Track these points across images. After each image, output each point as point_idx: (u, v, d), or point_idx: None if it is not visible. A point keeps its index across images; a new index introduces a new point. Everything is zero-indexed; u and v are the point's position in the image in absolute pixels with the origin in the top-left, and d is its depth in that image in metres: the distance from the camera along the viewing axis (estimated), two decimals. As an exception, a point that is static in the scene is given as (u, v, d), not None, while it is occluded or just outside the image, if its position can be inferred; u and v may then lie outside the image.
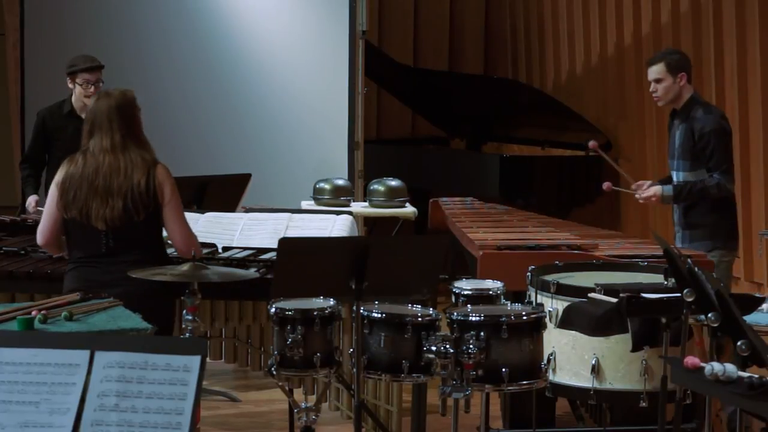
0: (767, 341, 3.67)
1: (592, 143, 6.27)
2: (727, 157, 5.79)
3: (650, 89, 5.92)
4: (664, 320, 4.12)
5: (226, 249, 5.45)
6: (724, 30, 7.87)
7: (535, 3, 10.26)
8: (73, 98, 6.48)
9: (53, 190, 4.64)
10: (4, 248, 5.30)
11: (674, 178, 5.90)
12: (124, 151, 4.59)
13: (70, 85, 6.44)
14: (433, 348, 4.11)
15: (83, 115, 6.13)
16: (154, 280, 4.34)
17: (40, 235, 4.69)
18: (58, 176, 4.63)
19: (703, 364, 3.28)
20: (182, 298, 4.45)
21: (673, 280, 4.19)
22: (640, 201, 5.98)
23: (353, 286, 4.08)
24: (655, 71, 5.84)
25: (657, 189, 5.82)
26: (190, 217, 5.86)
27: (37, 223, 4.95)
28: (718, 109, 6.10)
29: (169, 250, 4.88)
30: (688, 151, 5.77)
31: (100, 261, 4.59)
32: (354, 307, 4.16)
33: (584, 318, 4.33)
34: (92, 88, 6.30)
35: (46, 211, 4.69)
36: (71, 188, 4.57)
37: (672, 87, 5.81)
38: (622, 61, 9.09)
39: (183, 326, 4.45)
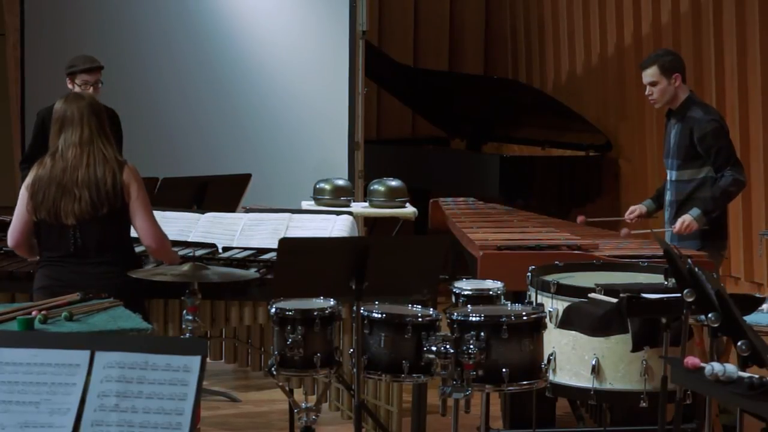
0: (767, 341, 3.67)
1: (580, 219, 6.13)
2: (731, 151, 5.79)
3: (646, 92, 5.89)
4: (664, 320, 4.12)
5: (226, 249, 5.45)
6: (724, 30, 7.88)
7: (535, 3, 10.26)
8: None
9: (23, 193, 4.67)
10: (4, 248, 5.29)
11: (668, 177, 5.90)
12: (91, 145, 4.61)
13: (70, 86, 6.41)
14: (434, 348, 4.11)
15: None
16: (122, 280, 4.39)
17: (10, 236, 4.72)
18: (28, 179, 4.66)
19: (703, 365, 3.28)
20: (182, 298, 4.45)
21: (673, 281, 4.19)
22: (683, 232, 5.70)
23: (353, 287, 4.07)
24: (650, 74, 5.80)
25: (687, 218, 5.67)
26: (191, 217, 5.89)
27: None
28: (714, 109, 6.09)
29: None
30: (682, 150, 5.77)
31: (69, 261, 4.61)
32: (354, 308, 4.16)
33: (584, 318, 4.33)
34: (91, 89, 6.26)
35: (16, 213, 4.72)
36: (40, 190, 4.59)
37: (668, 89, 5.79)
38: (622, 61, 9.10)
39: (183, 326, 4.45)
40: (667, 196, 5.91)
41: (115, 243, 4.65)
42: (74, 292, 4.36)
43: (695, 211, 5.68)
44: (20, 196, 4.71)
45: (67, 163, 4.58)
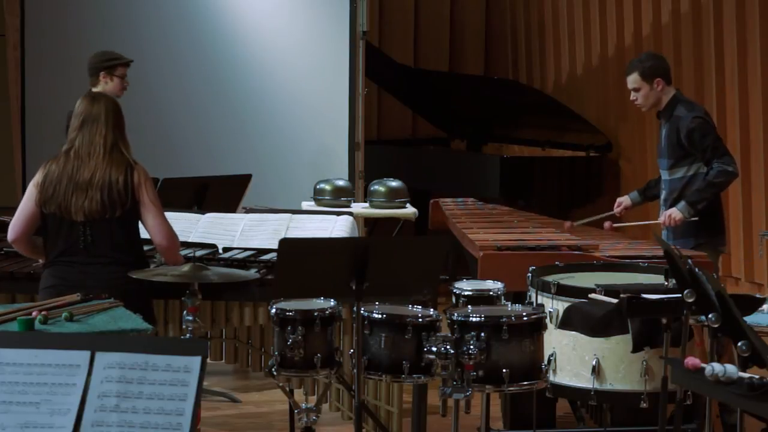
0: (767, 342, 3.67)
1: (566, 225, 6.06)
2: (718, 144, 5.82)
3: (630, 98, 5.94)
4: (664, 321, 4.12)
5: (226, 250, 5.45)
6: (724, 30, 7.88)
7: (535, 3, 10.26)
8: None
9: (31, 190, 4.67)
10: (4, 249, 5.29)
11: (662, 176, 5.94)
12: (113, 152, 4.63)
13: (103, 80, 6.35)
14: (434, 349, 4.11)
15: None
16: (131, 279, 4.37)
17: (12, 229, 4.71)
18: (38, 176, 4.66)
19: (703, 365, 3.28)
20: (183, 298, 4.45)
21: (673, 281, 4.19)
22: (669, 225, 5.77)
23: (354, 287, 4.07)
24: (632, 81, 5.87)
25: (672, 210, 5.74)
26: (191, 218, 5.89)
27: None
28: (699, 105, 6.11)
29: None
30: (671, 150, 5.82)
31: (77, 260, 4.61)
32: (354, 308, 4.16)
33: (585, 319, 4.33)
34: (126, 83, 6.33)
35: (20, 207, 4.72)
36: (51, 184, 4.60)
37: (650, 93, 5.85)
38: (622, 61, 9.07)
39: (183, 327, 4.45)
40: (662, 195, 5.95)
41: (125, 243, 4.66)
42: (80, 293, 4.36)
43: (680, 204, 5.74)
44: (27, 191, 4.71)
45: (82, 162, 4.60)
